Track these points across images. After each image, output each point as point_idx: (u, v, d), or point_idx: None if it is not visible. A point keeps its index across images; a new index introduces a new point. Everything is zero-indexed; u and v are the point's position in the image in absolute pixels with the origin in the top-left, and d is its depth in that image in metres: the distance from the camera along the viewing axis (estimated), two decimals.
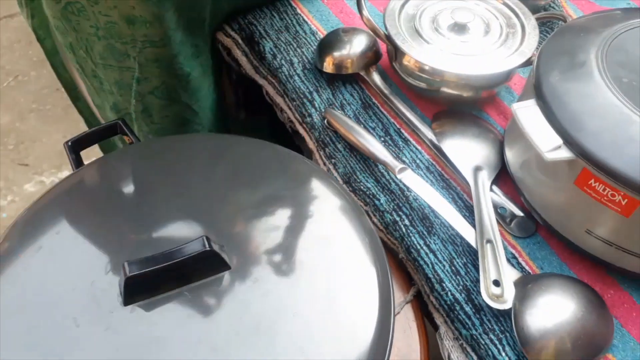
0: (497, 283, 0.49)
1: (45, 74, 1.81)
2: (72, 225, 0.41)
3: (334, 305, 0.37)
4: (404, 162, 0.58)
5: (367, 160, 0.59)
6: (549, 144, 0.45)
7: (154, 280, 0.36)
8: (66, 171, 1.56)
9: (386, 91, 0.64)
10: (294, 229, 0.41)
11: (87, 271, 0.38)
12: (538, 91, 0.48)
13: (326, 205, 0.43)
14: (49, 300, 0.37)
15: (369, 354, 0.35)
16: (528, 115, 0.47)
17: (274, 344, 0.35)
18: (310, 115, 0.64)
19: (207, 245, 0.36)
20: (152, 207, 0.42)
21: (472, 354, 0.49)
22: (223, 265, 0.38)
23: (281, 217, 0.42)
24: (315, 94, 0.65)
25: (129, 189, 0.44)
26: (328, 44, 0.66)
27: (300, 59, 0.68)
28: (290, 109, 0.67)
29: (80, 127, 1.58)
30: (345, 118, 0.61)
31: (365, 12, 0.61)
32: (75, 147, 0.49)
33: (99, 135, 0.51)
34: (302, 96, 0.65)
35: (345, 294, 0.38)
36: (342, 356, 0.35)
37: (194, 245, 0.36)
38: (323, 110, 0.63)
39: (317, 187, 0.44)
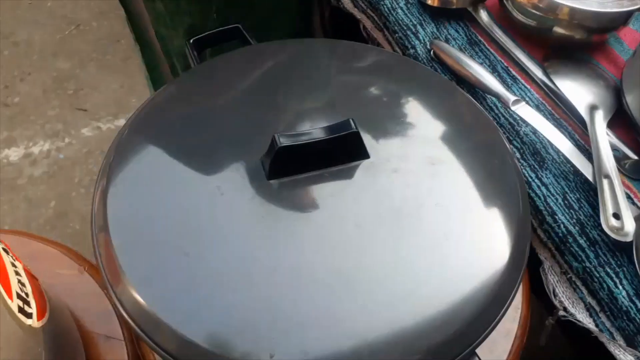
0: (616, 216, 0.47)
1: (105, 25, 1.83)
2: (206, 108, 0.41)
3: (477, 204, 0.36)
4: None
5: (475, 94, 0.58)
6: None
7: (300, 157, 0.35)
8: (122, 119, 1.58)
9: (494, 28, 0.62)
10: (431, 129, 0.40)
11: (229, 147, 0.38)
12: None
13: (463, 115, 0.42)
14: (193, 170, 0.36)
15: (510, 259, 0.34)
16: None
17: (419, 228, 0.34)
18: (414, 47, 0.62)
19: (354, 127, 0.35)
20: (286, 98, 0.41)
21: (582, 287, 0.47)
22: (364, 153, 0.37)
23: (418, 118, 0.41)
24: (419, 27, 0.64)
25: (259, 82, 0.43)
26: None
27: None
28: (390, 42, 0.66)
29: (137, 79, 1.60)
30: (453, 49, 0.59)
31: None
32: (196, 45, 0.49)
33: (219, 37, 0.50)
34: (405, 28, 0.64)
35: (488, 197, 0.37)
36: (483, 256, 0.34)
37: (343, 125, 0.35)
38: (427, 42, 0.62)
39: (455, 97, 0.43)
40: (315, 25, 0.81)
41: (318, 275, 0.32)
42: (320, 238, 0.33)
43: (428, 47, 0.62)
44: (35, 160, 1.48)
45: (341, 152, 0.36)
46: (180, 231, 0.34)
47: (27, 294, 0.36)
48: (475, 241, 0.34)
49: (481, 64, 0.60)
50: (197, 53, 0.48)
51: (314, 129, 0.35)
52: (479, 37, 0.63)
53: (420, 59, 0.61)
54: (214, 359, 0.30)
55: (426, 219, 0.35)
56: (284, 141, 0.34)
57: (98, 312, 0.48)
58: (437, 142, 0.39)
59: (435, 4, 0.64)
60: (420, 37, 0.63)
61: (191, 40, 0.49)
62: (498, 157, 0.40)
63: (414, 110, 0.41)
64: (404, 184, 0.36)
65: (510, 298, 0.35)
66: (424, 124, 0.40)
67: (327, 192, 0.35)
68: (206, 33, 0.50)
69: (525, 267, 0.37)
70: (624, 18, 0.59)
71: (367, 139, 0.38)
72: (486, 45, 0.63)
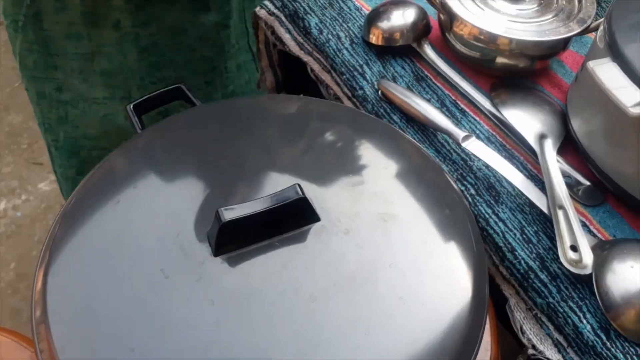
0: (574, 249, 0.47)
1: None
2: (149, 180, 0.39)
3: (430, 257, 0.36)
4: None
5: (425, 131, 0.58)
6: (632, 99, 0.44)
7: (247, 229, 0.34)
8: None
9: (439, 62, 0.63)
10: (379, 183, 0.39)
11: (171, 223, 0.36)
12: (614, 49, 0.47)
13: (409, 162, 0.42)
14: (134, 252, 0.35)
15: (471, 305, 0.34)
16: (606, 72, 0.46)
17: (374, 294, 0.33)
18: (362, 88, 0.62)
19: (300, 193, 0.34)
20: (230, 161, 0.40)
21: (549, 323, 0.47)
22: (313, 216, 0.36)
23: (365, 172, 0.40)
24: (365, 67, 0.64)
25: (204, 145, 0.42)
26: (377, 16, 0.65)
27: (347, 34, 0.67)
28: (338, 84, 0.66)
29: None
30: (400, 88, 0.59)
31: None
32: (137, 110, 0.47)
33: (160, 98, 0.49)
34: (352, 69, 0.64)
35: (441, 247, 0.36)
36: (444, 307, 0.33)
37: (288, 192, 0.34)
38: (375, 82, 0.62)
39: (399, 144, 0.43)
40: (265, 69, 0.81)
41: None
42: (274, 317, 0.32)
43: (376, 87, 0.62)
44: None
45: (290, 219, 0.35)
46: (124, 322, 0.32)
47: None
48: (434, 296, 0.34)
49: (429, 100, 0.61)
50: (137, 118, 0.47)
51: (259, 199, 0.34)
52: (426, 72, 0.64)
53: (369, 99, 0.61)
54: None
55: (382, 281, 0.34)
56: (227, 215, 0.33)
57: None
58: (387, 196, 0.39)
59: (380, 42, 0.64)
60: (368, 77, 0.63)
61: (131, 106, 0.47)
62: (448, 203, 0.39)
63: (361, 163, 0.41)
64: (357, 245, 0.36)
65: (478, 343, 0.35)
66: (372, 177, 0.40)
67: (278, 263, 0.34)
68: (146, 96, 0.48)
69: (488, 307, 0.37)
70: (562, 43, 0.60)
71: (317, 201, 0.37)
72: (433, 80, 0.63)
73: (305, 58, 0.70)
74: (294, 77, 0.79)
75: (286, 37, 0.71)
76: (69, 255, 0.35)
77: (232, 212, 0.33)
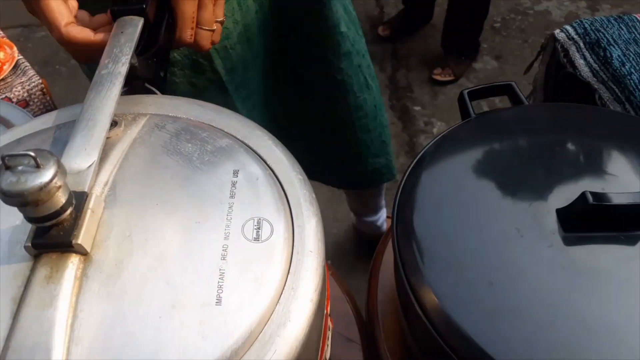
0: None
1: None
2: (496, 150, 0.45)
3: None
4: None
5: None
6: None
7: (606, 216, 0.38)
8: None
9: None
10: None
11: (523, 193, 0.41)
12: None
13: None
14: (491, 208, 0.41)
15: None
16: None
17: None
18: None
19: None
20: (567, 155, 0.45)
21: None
22: None
23: None
24: None
25: (545, 139, 0.47)
26: None
27: None
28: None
29: None
30: None
31: None
32: (470, 96, 0.54)
33: (490, 91, 0.55)
34: None
35: None
36: None
37: None
38: None
39: None
40: (538, 89, 0.84)
41: (622, 336, 0.34)
42: (622, 298, 0.35)
43: None
44: None
45: (636, 220, 0.39)
46: (484, 262, 0.38)
47: None
48: None
49: None
50: (470, 103, 0.53)
51: (627, 193, 0.38)
52: None
53: None
54: None
55: None
56: (595, 199, 0.37)
57: (339, 314, 0.54)
58: None
59: None
60: None
61: (466, 92, 0.54)
62: None
63: None
64: None
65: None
66: None
67: (625, 254, 0.38)
68: (480, 86, 0.55)
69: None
70: None
71: None
72: None
73: (597, 85, 0.72)
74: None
75: (580, 62, 0.74)
76: (434, 190, 0.43)
77: (599, 198, 0.37)
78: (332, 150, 0.89)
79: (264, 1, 0.66)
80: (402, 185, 0.45)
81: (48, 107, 0.92)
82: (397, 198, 0.45)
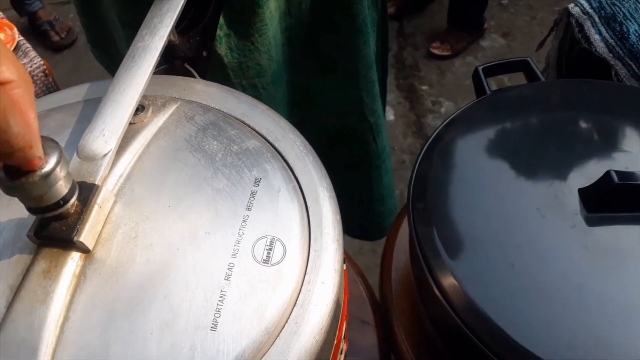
0: None
1: None
2: (512, 128, 0.44)
3: None
4: None
5: None
6: None
7: (631, 196, 0.37)
8: None
9: None
10: None
11: (543, 171, 0.40)
12: None
13: None
14: (511, 187, 0.40)
15: None
16: None
17: None
18: None
19: None
20: (578, 137, 0.43)
21: None
22: None
23: None
24: None
25: (563, 117, 0.46)
26: None
27: None
28: None
29: None
30: None
31: None
32: (485, 72, 0.52)
33: (505, 67, 0.53)
34: None
35: None
36: None
37: None
38: None
39: None
40: (551, 66, 0.82)
41: None
42: None
43: None
44: None
45: None
46: (505, 243, 0.37)
47: None
48: None
49: None
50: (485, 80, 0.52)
51: None
52: None
53: None
54: None
55: None
56: (620, 178, 0.36)
57: (353, 296, 0.54)
58: None
59: None
60: None
61: (480, 68, 0.53)
62: None
63: None
64: None
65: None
66: None
67: None
68: (495, 62, 0.53)
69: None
70: None
71: None
72: None
73: (613, 62, 0.70)
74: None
75: (595, 37, 0.72)
76: (451, 181, 0.41)
77: (624, 177, 0.36)
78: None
79: (292, 34, 0.58)
80: (417, 165, 0.44)
81: (51, 88, 0.91)
82: (413, 178, 0.44)
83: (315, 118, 0.69)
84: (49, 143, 0.26)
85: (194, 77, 0.40)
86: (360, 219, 0.84)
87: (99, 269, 0.28)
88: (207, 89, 0.38)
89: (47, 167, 0.25)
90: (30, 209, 0.28)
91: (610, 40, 0.71)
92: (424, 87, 1.68)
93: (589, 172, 0.40)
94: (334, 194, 0.33)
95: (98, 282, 0.28)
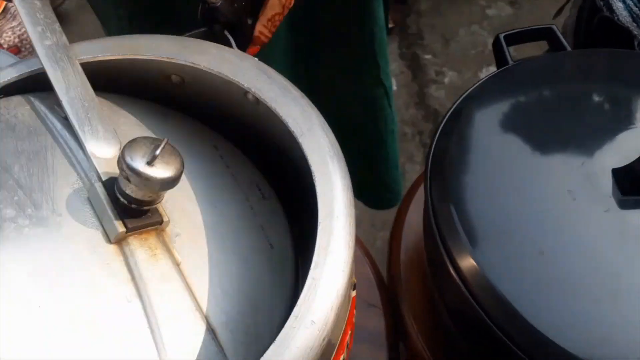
0: None
1: None
2: (542, 108, 0.41)
3: None
4: None
5: None
6: None
7: None
8: None
9: None
10: None
11: (574, 150, 0.37)
12: None
13: None
14: (540, 167, 0.37)
15: None
16: None
17: None
18: None
19: None
20: (611, 113, 0.40)
21: None
22: None
23: None
24: None
25: (591, 90, 0.42)
26: None
27: None
28: None
29: None
30: None
31: None
32: (507, 41, 0.49)
33: (530, 35, 0.50)
34: None
35: None
36: None
37: None
38: None
39: None
40: (568, 30, 0.78)
41: None
42: None
43: None
44: None
45: None
46: (533, 228, 0.34)
47: None
48: None
49: None
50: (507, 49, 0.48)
51: None
52: None
53: None
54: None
55: None
56: None
57: (359, 277, 0.51)
58: None
59: None
60: None
61: (502, 35, 0.49)
62: None
63: None
64: None
65: None
66: None
67: None
68: (518, 30, 0.50)
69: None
70: None
71: None
72: None
73: (637, 32, 0.66)
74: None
75: (619, 5, 0.68)
76: (473, 160, 0.38)
77: None
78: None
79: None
80: (435, 142, 0.41)
81: None
82: (430, 156, 0.40)
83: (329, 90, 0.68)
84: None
85: (230, 46, 0.36)
86: (370, 185, 0.84)
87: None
88: (240, 63, 0.34)
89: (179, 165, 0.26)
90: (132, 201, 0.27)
91: (635, 9, 0.67)
92: (428, 57, 1.63)
93: (623, 151, 0.36)
94: (353, 211, 0.31)
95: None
